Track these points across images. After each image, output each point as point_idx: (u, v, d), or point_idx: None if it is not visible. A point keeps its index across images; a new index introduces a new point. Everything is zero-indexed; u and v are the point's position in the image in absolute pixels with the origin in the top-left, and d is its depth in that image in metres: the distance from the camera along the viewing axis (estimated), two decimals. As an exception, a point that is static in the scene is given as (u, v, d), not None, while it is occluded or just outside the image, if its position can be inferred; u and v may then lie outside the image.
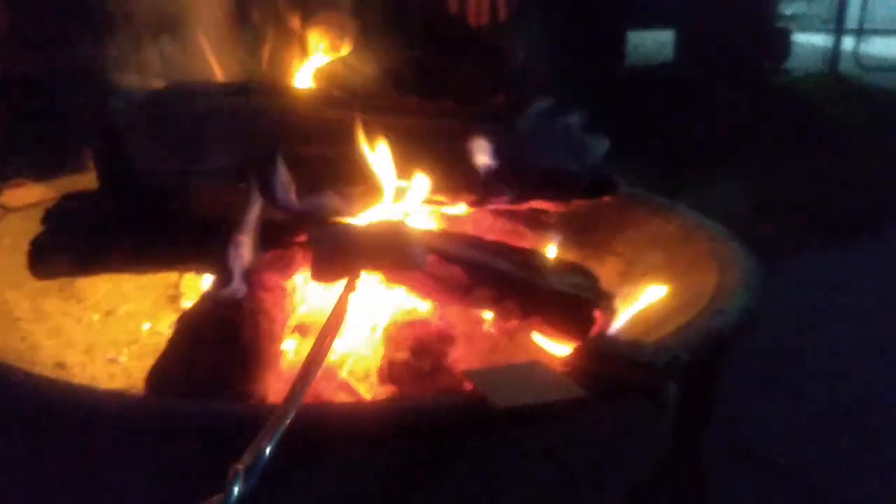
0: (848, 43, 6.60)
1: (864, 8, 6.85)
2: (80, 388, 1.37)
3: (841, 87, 6.16)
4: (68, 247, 1.62)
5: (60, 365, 1.53)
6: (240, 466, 0.91)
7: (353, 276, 1.30)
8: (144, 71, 1.63)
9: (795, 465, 1.87)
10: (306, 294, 1.57)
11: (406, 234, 1.33)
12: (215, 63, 1.70)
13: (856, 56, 6.71)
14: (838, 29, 6.50)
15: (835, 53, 6.47)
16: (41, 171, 1.90)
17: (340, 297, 1.24)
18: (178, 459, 1.21)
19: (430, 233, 1.56)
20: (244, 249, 1.36)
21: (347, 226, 1.39)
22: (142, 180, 1.55)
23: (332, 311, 1.24)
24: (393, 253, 1.32)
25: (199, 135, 1.57)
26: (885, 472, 1.87)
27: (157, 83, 1.63)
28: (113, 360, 1.63)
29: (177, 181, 1.55)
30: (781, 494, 1.80)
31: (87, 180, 1.77)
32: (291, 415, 0.99)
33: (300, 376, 1.08)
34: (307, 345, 1.55)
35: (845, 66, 6.53)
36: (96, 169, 1.61)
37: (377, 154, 1.53)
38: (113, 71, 1.58)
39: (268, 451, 0.93)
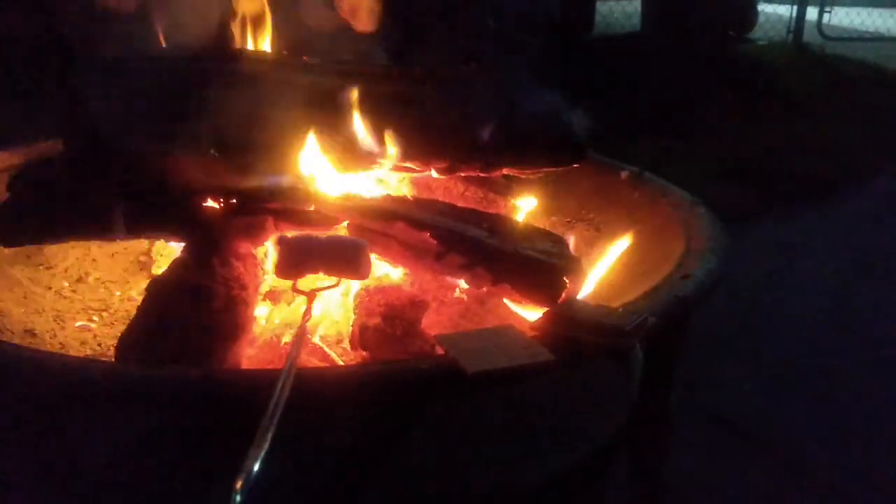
0: (811, 13, 6.66)
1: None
2: (51, 356, 1.36)
3: (804, 55, 6.22)
4: (35, 214, 1.60)
5: (30, 332, 1.52)
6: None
7: (308, 274, 1.40)
8: (112, 39, 1.60)
9: (752, 425, 1.91)
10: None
11: (356, 248, 1.41)
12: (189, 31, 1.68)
13: (819, 26, 6.78)
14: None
15: (799, 23, 6.53)
16: (5, 138, 1.87)
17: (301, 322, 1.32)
18: (148, 425, 1.22)
19: (393, 205, 1.56)
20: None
21: (309, 236, 1.47)
22: (109, 146, 1.53)
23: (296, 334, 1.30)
24: (342, 263, 1.40)
25: (166, 102, 1.55)
26: (840, 430, 1.93)
27: (126, 51, 1.61)
28: (84, 327, 1.62)
29: (144, 147, 1.53)
30: (739, 452, 1.84)
31: (52, 146, 1.74)
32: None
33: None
34: (278, 311, 1.56)
35: (809, 35, 6.60)
36: (62, 135, 1.59)
37: (349, 120, 1.53)
38: (81, 39, 1.55)
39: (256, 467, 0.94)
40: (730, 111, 4.38)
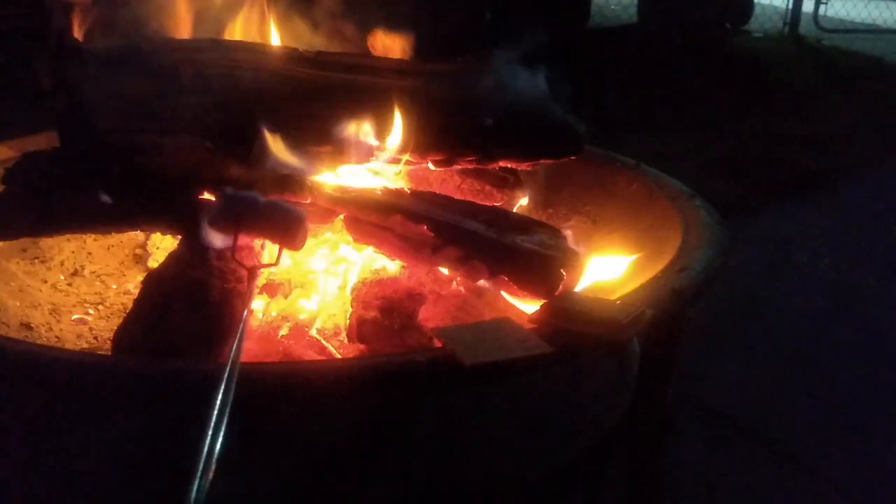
0: (808, 5, 6.66)
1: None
2: (47, 349, 1.36)
3: (800, 47, 6.22)
4: (29, 207, 1.59)
5: (26, 326, 1.52)
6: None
7: (238, 235, 1.36)
8: (108, 28, 1.59)
9: (751, 419, 1.91)
10: (274, 254, 1.57)
11: (295, 218, 1.36)
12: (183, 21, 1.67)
13: (815, 17, 6.78)
14: (799, -9, 6.56)
15: (795, 15, 6.53)
16: (1, 131, 1.86)
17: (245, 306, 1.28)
18: (145, 420, 1.22)
19: (389, 198, 1.56)
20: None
21: (252, 195, 1.40)
22: (104, 138, 1.52)
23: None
24: (279, 231, 1.35)
25: (162, 93, 1.54)
26: (835, 423, 1.93)
27: (120, 40, 1.59)
28: (79, 321, 1.61)
29: (140, 139, 1.52)
30: (736, 446, 1.84)
31: (47, 139, 1.73)
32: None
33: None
34: (275, 304, 1.56)
35: (805, 27, 6.60)
36: (58, 128, 1.58)
37: (345, 112, 1.52)
38: (75, 29, 1.54)
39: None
40: (727, 104, 4.37)
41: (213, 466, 0.90)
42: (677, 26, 4.88)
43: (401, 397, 1.23)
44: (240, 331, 1.13)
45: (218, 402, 0.98)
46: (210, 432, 0.93)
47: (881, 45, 6.35)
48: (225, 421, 0.95)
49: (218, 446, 0.92)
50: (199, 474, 0.88)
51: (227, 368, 1.03)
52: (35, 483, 1.31)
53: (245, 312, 1.22)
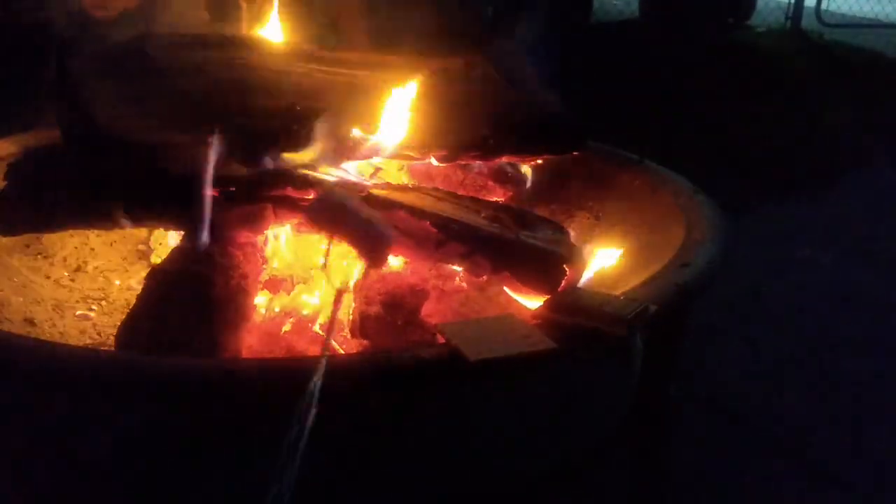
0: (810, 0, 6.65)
1: (826, -35, 6.90)
2: (50, 345, 1.36)
3: (802, 42, 6.21)
4: (32, 203, 1.59)
5: (29, 321, 1.52)
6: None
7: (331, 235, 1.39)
8: (108, 23, 1.59)
9: (753, 414, 1.92)
10: (277, 249, 1.57)
11: (382, 241, 1.37)
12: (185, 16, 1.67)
13: (817, 12, 6.76)
14: (801, -14, 6.55)
15: (797, 10, 6.52)
16: (3, 126, 1.86)
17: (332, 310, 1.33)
18: (148, 416, 1.21)
19: (392, 194, 1.55)
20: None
21: (353, 204, 1.41)
22: (106, 135, 1.52)
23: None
24: (365, 246, 1.36)
25: (163, 88, 1.54)
26: (837, 417, 1.94)
27: (121, 36, 1.59)
28: (83, 317, 1.62)
29: (142, 136, 1.52)
30: (739, 442, 1.85)
31: (49, 135, 1.73)
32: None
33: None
34: (278, 300, 1.56)
35: (807, 21, 6.59)
36: (59, 124, 1.58)
37: (348, 108, 1.52)
38: (76, 23, 1.54)
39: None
40: (728, 99, 4.37)
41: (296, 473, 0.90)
42: (679, 22, 4.87)
43: (404, 393, 1.22)
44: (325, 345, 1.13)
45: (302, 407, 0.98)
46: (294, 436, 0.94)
47: (883, 40, 6.34)
48: (308, 426, 0.95)
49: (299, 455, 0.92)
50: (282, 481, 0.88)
51: (315, 376, 1.04)
52: (37, 483, 1.31)
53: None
